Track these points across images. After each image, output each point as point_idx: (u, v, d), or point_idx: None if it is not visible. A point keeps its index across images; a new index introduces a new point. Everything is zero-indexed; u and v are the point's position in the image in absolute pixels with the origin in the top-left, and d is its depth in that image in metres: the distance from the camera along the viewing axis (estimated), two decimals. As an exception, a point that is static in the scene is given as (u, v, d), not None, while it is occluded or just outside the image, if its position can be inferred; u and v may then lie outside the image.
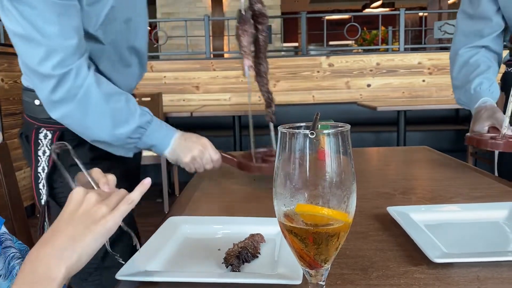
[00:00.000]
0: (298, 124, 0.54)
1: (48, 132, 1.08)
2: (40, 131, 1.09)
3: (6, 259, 0.62)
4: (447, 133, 4.29)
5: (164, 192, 3.57)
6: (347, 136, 0.51)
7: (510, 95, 1.11)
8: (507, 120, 1.14)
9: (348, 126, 0.51)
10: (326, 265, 0.54)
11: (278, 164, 0.53)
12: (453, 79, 1.45)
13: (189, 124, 4.53)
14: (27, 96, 1.09)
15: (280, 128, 0.53)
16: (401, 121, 3.60)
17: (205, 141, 1.17)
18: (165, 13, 6.27)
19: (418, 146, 1.70)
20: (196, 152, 1.13)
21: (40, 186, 1.07)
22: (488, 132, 1.20)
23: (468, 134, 1.23)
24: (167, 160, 3.19)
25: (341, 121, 0.56)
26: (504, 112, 1.15)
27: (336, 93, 4.55)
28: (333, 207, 0.50)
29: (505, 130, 1.13)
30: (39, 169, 1.08)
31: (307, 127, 0.53)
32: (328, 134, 0.49)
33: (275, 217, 0.83)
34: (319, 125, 0.54)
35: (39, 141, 1.09)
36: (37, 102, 1.06)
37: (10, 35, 0.93)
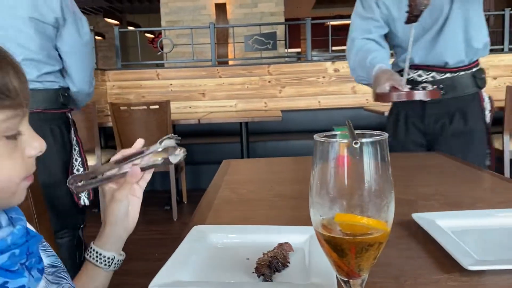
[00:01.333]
0: (333, 133, 0.54)
1: None
2: None
3: None
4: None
5: (172, 200, 3.57)
6: (385, 144, 0.51)
7: (407, 58, 1.49)
8: (404, 79, 1.49)
9: (386, 135, 0.51)
10: (364, 274, 0.54)
11: (314, 173, 0.53)
12: (350, 62, 1.77)
13: (196, 131, 4.54)
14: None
15: (316, 137, 0.53)
16: (408, 125, 3.59)
17: None
18: (170, 21, 6.31)
19: (429, 152, 1.70)
20: None
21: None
22: (390, 91, 1.48)
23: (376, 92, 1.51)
24: (175, 168, 3.22)
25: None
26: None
27: (342, 98, 4.56)
28: (372, 216, 0.50)
29: (404, 87, 1.47)
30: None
31: (342, 136, 0.53)
32: (368, 143, 0.49)
33: (299, 225, 0.83)
34: (338, 132, 0.54)
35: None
36: None
37: None
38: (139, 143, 0.73)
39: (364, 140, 0.48)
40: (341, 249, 0.51)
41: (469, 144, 1.63)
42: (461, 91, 1.61)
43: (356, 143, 0.47)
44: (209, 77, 4.65)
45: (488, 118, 1.66)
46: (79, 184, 0.68)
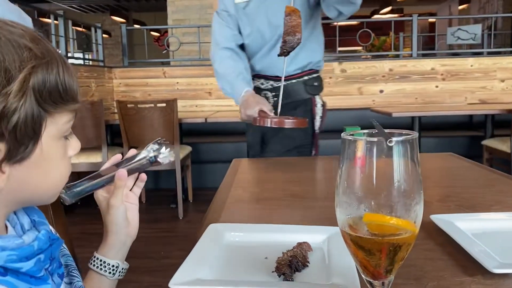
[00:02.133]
0: (361, 131, 0.53)
1: None
2: None
3: None
4: (461, 139, 4.26)
5: (178, 198, 3.57)
6: (415, 144, 0.50)
7: (280, 91, 1.64)
8: (279, 104, 1.65)
9: (416, 134, 0.50)
10: (390, 276, 0.53)
11: (341, 172, 0.52)
12: (215, 66, 1.86)
13: (203, 130, 4.54)
14: None
15: (344, 135, 0.52)
16: (415, 127, 3.58)
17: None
18: (176, 19, 6.30)
19: (442, 153, 1.69)
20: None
21: None
22: (258, 114, 1.63)
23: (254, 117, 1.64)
24: (181, 166, 3.36)
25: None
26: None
27: (348, 99, 4.54)
28: (401, 217, 0.49)
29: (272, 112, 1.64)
30: None
31: (369, 135, 0.53)
32: (399, 142, 0.48)
33: (314, 225, 0.83)
34: (352, 131, 0.53)
35: None
36: None
37: None
38: (131, 153, 0.72)
39: (396, 139, 0.47)
40: (368, 249, 0.50)
41: (294, 144, 1.79)
42: (293, 97, 1.79)
43: (390, 141, 0.46)
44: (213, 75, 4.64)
45: (318, 123, 1.86)
46: (69, 192, 0.66)
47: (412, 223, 0.50)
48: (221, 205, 1.05)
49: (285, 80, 1.67)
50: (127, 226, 0.71)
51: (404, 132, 0.51)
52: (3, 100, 0.43)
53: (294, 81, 1.79)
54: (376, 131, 0.52)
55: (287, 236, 0.77)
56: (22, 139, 0.46)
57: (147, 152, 0.70)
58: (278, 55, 1.55)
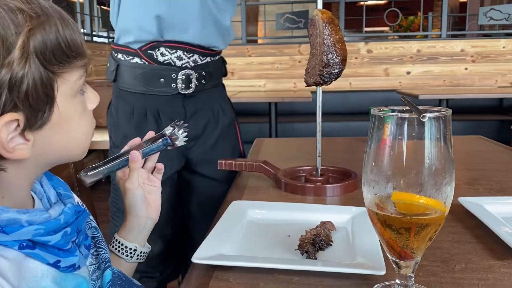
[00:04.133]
0: (390, 108, 0.52)
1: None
2: None
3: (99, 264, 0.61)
4: (490, 123, 4.13)
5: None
6: (449, 121, 0.48)
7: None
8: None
9: (450, 110, 0.48)
10: (417, 256, 0.52)
11: (370, 150, 0.51)
12: None
13: (224, 110, 4.51)
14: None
15: (373, 111, 0.50)
16: (443, 110, 3.49)
17: None
18: None
19: (471, 136, 1.64)
20: None
21: None
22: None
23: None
24: None
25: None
26: None
27: (374, 80, 4.45)
28: (431, 196, 0.48)
29: None
30: None
31: (400, 111, 0.51)
32: (432, 119, 0.46)
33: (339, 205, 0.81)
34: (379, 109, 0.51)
35: None
36: None
37: None
38: (149, 135, 0.72)
39: (429, 114, 0.45)
40: (396, 228, 0.49)
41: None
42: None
43: (423, 116, 0.44)
44: (238, 55, 4.60)
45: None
46: (89, 174, 0.67)
47: (442, 203, 0.49)
48: (242, 184, 1.05)
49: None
50: (146, 208, 0.71)
51: (437, 109, 0.49)
52: (8, 71, 0.42)
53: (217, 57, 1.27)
54: (407, 108, 0.50)
55: (310, 215, 0.76)
56: (37, 105, 0.45)
57: (164, 135, 0.70)
58: (310, 84, 0.99)
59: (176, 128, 0.70)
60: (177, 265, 1.34)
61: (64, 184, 0.60)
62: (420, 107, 0.48)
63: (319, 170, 1.02)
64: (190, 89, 1.17)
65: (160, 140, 0.70)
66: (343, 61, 0.94)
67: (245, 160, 1.09)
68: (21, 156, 0.46)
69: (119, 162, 0.69)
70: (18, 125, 0.45)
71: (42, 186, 0.57)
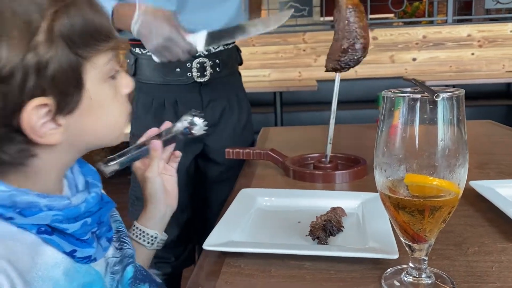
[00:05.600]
0: (402, 89, 0.51)
1: None
2: None
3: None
4: (498, 108, 4.10)
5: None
6: (462, 101, 0.47)
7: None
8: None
9: (463, 90, 0.47)
10: (431, 239, 0.51)
11: (381, 132, 0.50)
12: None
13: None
14: None
15: (384, 93, 0.49)
16: (450, 96, 3.46)
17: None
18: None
19: (481, 120, 1.62)
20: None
21: None
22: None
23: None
24: None
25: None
26: None
27: (379, 67, 4.41)
28: (445, 178, 0.47)
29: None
30: None
31: (412, 92, 0.50)
32: (445, 99, 0.45)
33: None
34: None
35: None
36: None
37: None
38: (166, 125, 0.73)
39: (443, 94, 0.44)
40: (409, 211, 0.48)
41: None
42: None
43: (437, 96, 0.43)
44: (242, 45, 4.53)
45: None
46: (108, 164, 0.68)
47: (456, 184, 0.48)
48: (250, 172, 1.05)
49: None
50: (166, 197, 0.72)
51: (449, 90, 0.48)
52: (34, 55, 0.41)
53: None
54: (418, 90, 0.49)
55: (320, 201, 0.76)
56: (66, 90, 0.45)
57: (182, 124, 0.71)
58: (329, 69, 1.00)
59: (194, 117, 0.71)
60: (192, 250, 1.36)
61: (94, 172, 0.60)
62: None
63: (329, 156, 1.01)
64: (205, 77, 1.19)
65: (179, 130, 0.71)
66: (364, 49, 0.92)
67: (252, 149, 1.08)
68: (53, 141, 0.46)
69: (138, 152, 0.70)
70: (49, 110, 0.44)
71: (72, 173, 0.57)
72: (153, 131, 0.72)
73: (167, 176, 0.74)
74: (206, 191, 1.32)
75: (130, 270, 0.57)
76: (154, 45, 0.99)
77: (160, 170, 0.72)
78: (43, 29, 0.42)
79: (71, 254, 0.49)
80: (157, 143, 0.69)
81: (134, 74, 1.22)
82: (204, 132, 0.72)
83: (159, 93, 1.19)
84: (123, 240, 0.61)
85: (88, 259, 0.50)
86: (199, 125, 0.71)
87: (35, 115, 0.43)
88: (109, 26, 0.49)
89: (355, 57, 0.92)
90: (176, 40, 0.98)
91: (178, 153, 0.76)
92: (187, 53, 1.01)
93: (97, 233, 0.53)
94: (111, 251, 0.57)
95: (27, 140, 0.44)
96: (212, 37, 1.02)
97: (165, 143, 0.71)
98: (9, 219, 0.44)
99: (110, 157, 0.69)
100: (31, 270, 0.44)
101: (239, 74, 1.39)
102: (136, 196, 1.22)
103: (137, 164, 0.73)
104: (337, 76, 1.00)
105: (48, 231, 0.47)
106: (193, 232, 1.34)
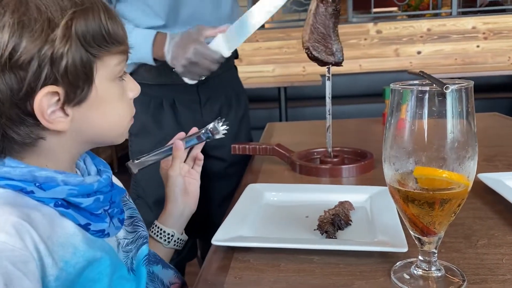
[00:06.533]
0: (410, 82, 0.50)
1: None
2: None
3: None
4: (504, 101, 4.07)
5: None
6: (471, 93, 0.46)
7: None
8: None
9: (472, 82, 0.47)
10: (440, 232, 0.51)
11: (390, 125, 0.50)
12: None
13: (233, 96, 4.49)
14: None
15: (393, 86, 0.49)
16: (455, 89, 3.44)
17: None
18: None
19: (487, 113, 1.61)
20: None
21: None
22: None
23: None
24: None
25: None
26: None
27: (384, 61, 4.39)
28: (454, 170, 0.47)
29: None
30: None
31: (420, 85, 0.49)
32: (454, 90, 0.45)
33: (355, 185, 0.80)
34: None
35: None
36: None
37: None
38: (193, 131, 0.81)
39: (452, 86, 0.44)
40: (419, 204, 0.48)
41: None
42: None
43: (447, 87, 0.43)
44: (245, 41, 4.55)
45: None
46: (135, 162, 0.77)
47: (465, 177, 0.48)
48: (257, 168, 1.05)
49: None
50: (185, 197, 0.76)
51: (457, 81, 0.47)
52: (50, 47, 0.46)
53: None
54: (427, 82, 0.49)
55: (328, 195, 0.76)
56: (76, 82, 0.49)
57: (206, 129, 0.80)
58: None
59: (218, 123, 0.80)
60: (194, 244, 1.38)
61: (105, 163, 0.64)
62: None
63: (330, 147, 1.00)
64: (202, 76, 1.17)
65: (202, 133, 0.79)
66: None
67: (258, 144, 1.08)
68: (60, 128, 0.50)
69: (163, 152, 0.78)
70: (59, 99, 0.49)
71: (84, 164, 0.61)
72: (180, 135, 0.79)
73: (191, 179, 0.80)
74: (207, 187, 1.33)
75: (144, 249, 0.60)
76: (182, 64, 1.01)
77: (184, 174, 0.77)
78: (61, 27, 0.47)
79: (85, 227, 0.52)
80: (179, 143, 0.76)
81: (130, 75, 1.21)
82: (223, 136, 0.81)
83: (157, 93, 1.19)
84: (137, 224, 0.65)
85: (102, 233, 0.54)
86: (219, 129, 0.80)
87: (46, 102, 0.48)
88: (121, 32, 0.54)
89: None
90: (202, 52, 1.00)
91: (201, 156, 0.82)
92: (216, 62, 1.02)
93: (109, 212, 0.56)
94: (122, 233, 0.61)
95: (37, 123, 0.49)
96: (228, 39, 1.02)
97: (189, 145, 0.79)
98: (30, 192, 0.48)
99: (138, 156, 0.78)
100: (51, 236, 0.48)
101: (235, 68, 1.39)
102: (138, 194, 1.22)
103: (162, 164, 0.80)
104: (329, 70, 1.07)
105: (65, 205, 0.51)
106: (194, 227, 1.35)
